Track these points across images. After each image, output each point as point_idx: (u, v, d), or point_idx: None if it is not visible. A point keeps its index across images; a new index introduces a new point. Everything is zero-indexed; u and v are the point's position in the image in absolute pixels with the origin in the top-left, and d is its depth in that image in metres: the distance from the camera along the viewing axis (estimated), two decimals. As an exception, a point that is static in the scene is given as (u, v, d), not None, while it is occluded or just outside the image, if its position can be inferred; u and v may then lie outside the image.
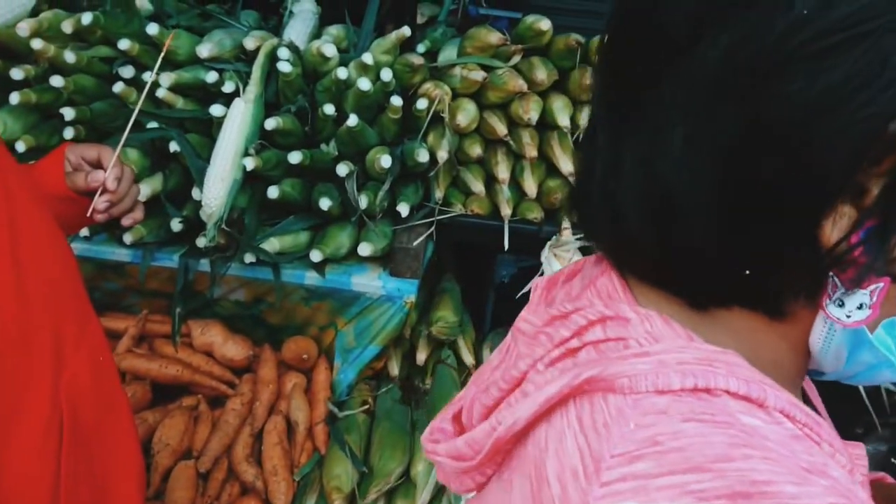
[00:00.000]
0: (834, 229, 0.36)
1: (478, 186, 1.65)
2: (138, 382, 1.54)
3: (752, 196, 0.37)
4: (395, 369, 1.66)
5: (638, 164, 0.40)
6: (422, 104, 1.55)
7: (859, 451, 0.43)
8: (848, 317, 0.39)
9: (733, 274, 0.39)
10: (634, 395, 0.37)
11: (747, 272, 0.39)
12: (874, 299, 0.39)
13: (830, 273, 0.38)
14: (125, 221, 1.09)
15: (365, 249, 1.51)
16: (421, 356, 1.66)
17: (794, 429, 0.37)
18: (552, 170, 1.67)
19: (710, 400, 0.37)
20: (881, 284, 0.38)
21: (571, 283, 0.50)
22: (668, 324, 0.41)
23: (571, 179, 1.61)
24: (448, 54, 1.73)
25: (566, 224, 1.61)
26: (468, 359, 1.70)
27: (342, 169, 1.49)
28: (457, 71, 1.61)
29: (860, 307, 0.39)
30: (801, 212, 0.36)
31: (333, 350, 1.62)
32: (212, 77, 1.53)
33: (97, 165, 1.03)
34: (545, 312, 0.45)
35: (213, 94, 1.55)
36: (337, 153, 1.56)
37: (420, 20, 2.16)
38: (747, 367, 0.39)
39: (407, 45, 1.66)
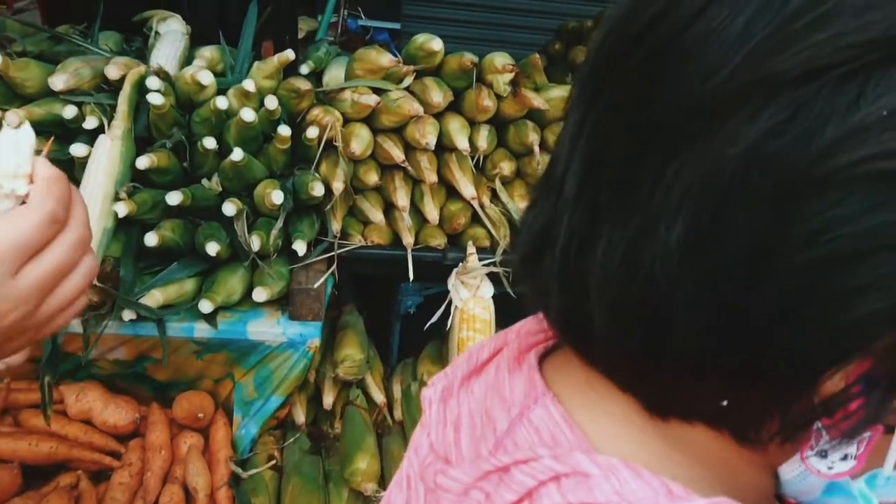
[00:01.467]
0: (835, 379, 0.31)
1: (377, 215, 1.57)
2: (3, 466, 1.34)
3: (750, 332, 0.30)
4: (300, 416, 1.55)
5: (618, 251, 0.33)
6: (312, 132, 1.45)
7: None
8: (830, 468, 0.34)
9: (707, 399, 0.33)
10: None
11: (724, 403, 0.33)
12: (860, 450, 0.34)
13: (817, 422, 0.33)
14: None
15: (260, 295, 1.39)
16: (328, 400, 1.56)
17: None
18: (452, 193, 1.61)
19: None
20: (870, 434, 0.33)
21: (485, 404, 0.41)
22: (639, 476, 0.33)
23: (474, 203, 1.56)
24: (334, 75, 1.63)
25: (471, 249, 1.55)
26: (378, 396, 1.62)
27: (229, 208, 1.36)
28: (347, 95, 1.52)
29: (844, 458, 0.34)
30: (806, 363, 0.30)
31: (232, 403, 1.48)
32: (70, 112, 1.35)
33: None
34: (474, 466, 0.37)
35: (73, 130, 1.37)
36: (221, 189, 1.43)
37: (298, 35, 2.05)
38: None
39: (289, 65, 1.55)
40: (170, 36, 1.63)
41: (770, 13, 0.28)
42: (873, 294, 0.28)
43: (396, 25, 2.79)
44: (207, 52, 1.62)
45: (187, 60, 1.60)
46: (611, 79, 0.34)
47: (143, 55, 1.62)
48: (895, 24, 0.26)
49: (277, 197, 1.38)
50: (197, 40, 1.71)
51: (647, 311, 0.32)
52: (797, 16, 0.27)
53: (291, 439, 1.52)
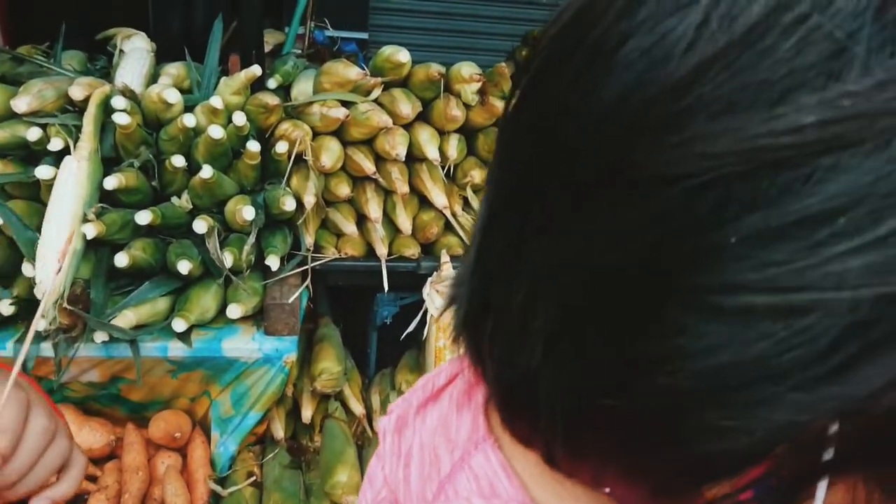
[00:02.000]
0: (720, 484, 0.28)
1: (349, 227, 1.57)
2: (-23, 494, 1.32)
3: (619, 435, 0.28)
4: (279, 431, 1.54)
5: (500, 336, 0.31)
6: (281, 147, 1.45)
7: None
8: None
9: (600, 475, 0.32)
10: None
11: (607, 490, 0.32)
12: None
13: None
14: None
15: (235, 311, 1.38)
16: (306, 413, 1.55)
17: None
18: (424, 203, 1.62)
19: None
20: None
21: (434, 440, 0.39)
22: None
23: (446, 212, 1.57)
24: (302, 88, 1.63)
25: (445, 258, 1.56)
26: (357, 408, 1.62)
27: (200, 226, 1.36)
28: (315, 108, 1.52)
29: None
30: (679, 478, 0.27)
31: (209, 421, 1.47)
32: (34, 134, 1.34)
33: None
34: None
35: (39, 153, 1.36)
36: (192, 207, 1.42)
37: (265, 49, 2.04)
38: None
39: (259, 78, 1.54)
40: (134, 54, 1.62)
41: (634, 96, 0.23)
42: (729, 434, 0.24)
43: (364, 35, 2.79)
44: (173, 69, 1.61)
45: (153, 78, 1.59)
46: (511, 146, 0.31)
47: (108, 74, 1.61)
48: (757, 135, 0.21)
49: (248, 213, 1.38)
50: (163, 56, 1.70)
51: (524, 398, 0.31)
52: (654, 105, 0.23)
53: (271, 454, 1.52)
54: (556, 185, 0.26)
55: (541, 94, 0.27)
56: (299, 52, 2.02)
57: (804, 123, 0.21)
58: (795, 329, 0.21)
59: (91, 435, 1.41)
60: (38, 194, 1.36)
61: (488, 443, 0.36)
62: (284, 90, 1.66)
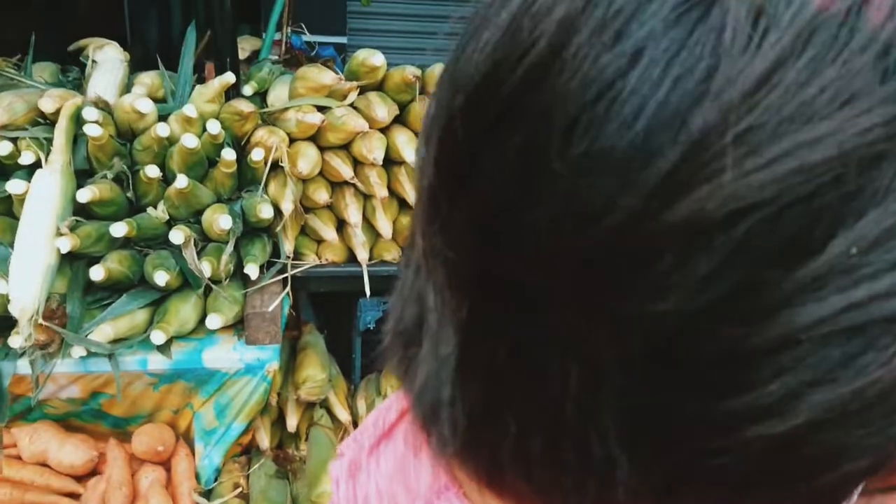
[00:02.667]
0: None
1: (329, 233, 1.56)
2: (-44, 516, 1.30)
3: None
4: (265, 441, 1.53)
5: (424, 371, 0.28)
6: (257, 154, 1.43)
7: None
8: None
9: None
10: None
11: None
12: None
13: None
14: None
15: (214, 322, 1.37)
16: (291, 422, 1.54)
17: None
18: (404, 206, 1.61)
19: None
20: None
21: (392, 488, 0.36)
22: None
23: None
24: (279, 94, 1.62)
25: (426, 261, 1.55)
26: (343, 415, 1.60)
27: (177, 236, 1.34)
28: (291, 114, 1.51)
29: None
30: None
31: (192, 433, 1.46)
32: (5, 148, 1.32)
33: None
34: None
35: (10, 167, 1.34)
36: (168, 217, 1.41)
37: (242, 55, 2.03)
38: None
39: (234, 86, 1.53)
40: (107, 64, 1.60)
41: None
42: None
43: (343, 39, 2.79)
44: (147, 79, 1.59)
45: (127, 88, 1.58)
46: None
47: (81, 85, 1.59)
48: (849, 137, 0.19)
49: (225, 222, 1.37)
50: (141, 66, 1.68)
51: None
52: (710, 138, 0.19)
53: (257, 465, 1.50)
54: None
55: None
56: (276, 58, 2.01)
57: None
58: None
59: (73, 452, 1.39)
60: (10, 209, 1.35)
61: (452, 491, 0.33)
62: (261, 97, 1.65)
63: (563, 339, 0.22)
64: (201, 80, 1.65)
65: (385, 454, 0.38)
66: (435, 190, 0.25)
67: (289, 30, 2.22)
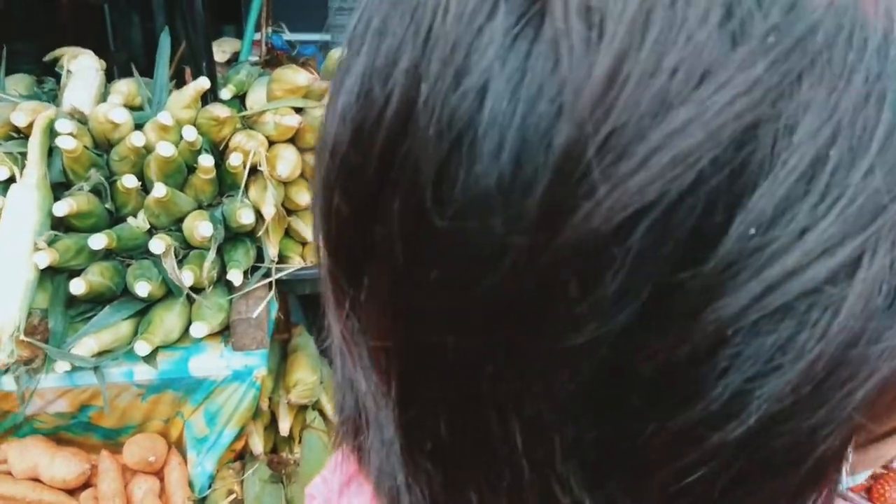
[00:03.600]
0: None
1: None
2: (-51, 535, 1.30)
3: None
4: (258, 446, 1.52)
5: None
6: (235, 159, 1.42)
7: None
8: None
9: None
10: None
11: None
12: None
13: None
14: None
15: (199, 330, 1.36)
16: (284, 426, 1.53)
17: None
18: (389, 204, 1.59)
19: None
20: None
21: None
22: None
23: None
24: (258, 97, 1.60)
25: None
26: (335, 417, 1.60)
27: (157, 245, 1.33)
28: (269, 117, 1.49)
29: None
30: None
31: (184, 442, 1.45)
32: (-21, 164, 1.31)
33: None
34: None
35: (-15, 183, 1.33)
36: (149, 226, 1.39)
37: (223, 58, 2.01)
38: None
39: (211, 90, 1.51)
40: (82, 73, 1.59)
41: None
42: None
43: (326, 37, 2.76)
44: (124, 87, 1.57)
45: (104, 97, 1.56)
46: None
47: (56, 96, 1.57)
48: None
49: (206, 229, 1.35)
50: (126, 73, 1.66)
51: None
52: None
53: (250, 471, 1.50)
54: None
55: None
56: (257, 59, 2.00)
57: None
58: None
59: (64, 466, 1.39)
60: (-12, 226, 1.33)
61: None
62: (240, 100, 1.63)
63: (496, 397, 0.21)
64: (182, 85, 1.63)
65: (357, 495, 0.38)
66: (335, 275, 0.24)
67: (269, 30, 2.20)
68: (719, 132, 0.17)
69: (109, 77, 1.66)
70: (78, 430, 1.44)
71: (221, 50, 2.01)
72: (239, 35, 2.11)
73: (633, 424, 0.20)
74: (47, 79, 1.68)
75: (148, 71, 1.61)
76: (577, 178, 0.17)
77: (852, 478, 0.29)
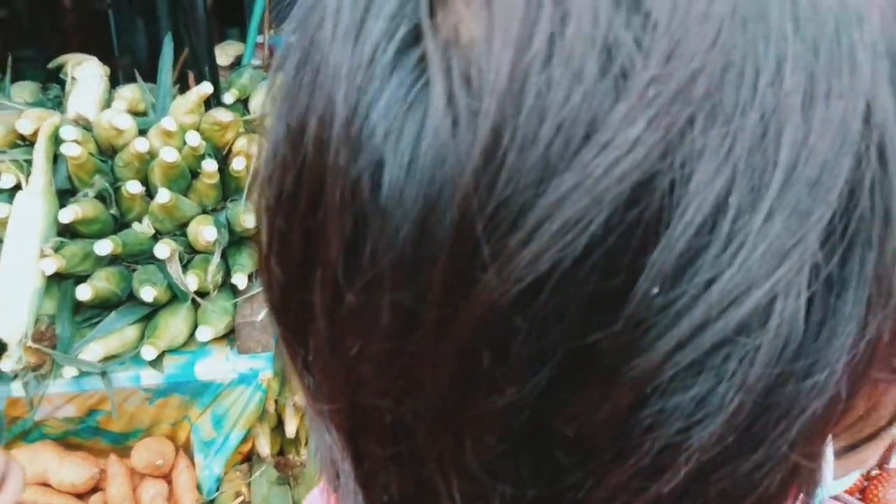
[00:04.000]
0: None
1: (318, 237, 1.55)
2: (-40, 540, 1.31)
3: None
4: (265, 448, 1.53)
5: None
6: (239, 164, 1.43)
7: None
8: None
9: None
10: None
11: None
12: None
13: None
14: None
15: (205, 334, 1.37)
16: (290, 428, 1.54)
17: None
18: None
19: None
20: None
21: None
22: None
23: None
24: (261, 100, 1.60)
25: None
26: (342, 418, 1.60)
27: (162, 250, 1.34)
28: (271, 121, 1.50)
29: None
30: None
31: (192, 445, 1.46)
32: (-15, 172, 1.32)
33: None
34: None
35: (-9, 191, 1.34)
36: (154, 231, 1.40)
37: (227, 61, 2.01)
38: None
39: (214, 94, 1.52)
40: (86, 80, 1.60)
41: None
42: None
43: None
44: (127, 93, 1.58)
45: (108, 103, 1.57)
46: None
47: (60, 102, 1.58)
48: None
49: (210, 233, 1.36)
50: (131, 79, 1.67)
51: None
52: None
53: (258, 472, 1.51)
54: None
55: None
56: (259, 62, 2.00)
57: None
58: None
59: (73, 470, 1.40)
60: (-6, 233, 1.35)
61: None
62: (244, 103, 1.64)
63: (435, 456, 0.21)
64: (186, 90, 1.63)
65: None
66: (288, 343, 0.24)
67: (271, 33, 2.20)
68: (604, 195, 0.16)
69: (114, 83, 1.67)
70: (86, 434, 1.45)
71: (225, 53, 2.02)
72: (243, 37, 2.11)
73: (569, 481, 0.20)
74: (52, 85, 1.69)
75: (152, 76, 1.61)
76: (470, 254, 0.18)
77: (841, 481, 0.29)
